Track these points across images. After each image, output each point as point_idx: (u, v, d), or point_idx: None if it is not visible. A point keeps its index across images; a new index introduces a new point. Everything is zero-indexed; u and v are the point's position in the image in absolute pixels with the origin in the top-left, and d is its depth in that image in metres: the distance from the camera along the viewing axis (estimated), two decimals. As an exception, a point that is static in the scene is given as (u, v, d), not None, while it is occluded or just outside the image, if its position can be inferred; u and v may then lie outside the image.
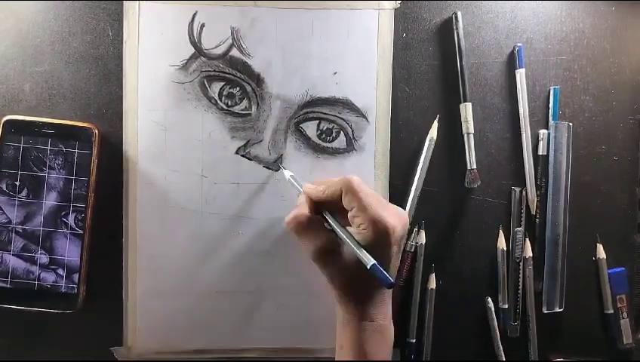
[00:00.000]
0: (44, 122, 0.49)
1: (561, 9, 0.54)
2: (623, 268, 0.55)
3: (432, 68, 0.54)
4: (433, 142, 0.52)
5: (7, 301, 0.49)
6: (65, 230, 0.49)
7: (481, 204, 0.54)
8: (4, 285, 0.49)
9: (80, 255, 0.49)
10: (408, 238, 0.53)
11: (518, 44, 0.53)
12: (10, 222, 0.49)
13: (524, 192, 0.54)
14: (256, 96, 0.52)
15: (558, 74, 0.54)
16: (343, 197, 0.43)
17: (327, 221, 0.45)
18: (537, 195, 0.54)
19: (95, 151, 0.49)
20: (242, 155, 0.52)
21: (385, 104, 0.53)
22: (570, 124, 0.54)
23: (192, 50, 0.51)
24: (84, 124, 0.50)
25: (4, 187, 0.48)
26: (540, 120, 0.54)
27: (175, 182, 0.52)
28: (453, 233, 0.54)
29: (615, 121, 0.55)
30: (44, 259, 0.49)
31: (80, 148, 0.49)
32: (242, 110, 0.52)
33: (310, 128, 0.52)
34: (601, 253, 0.55)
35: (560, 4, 0.54)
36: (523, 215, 0.54)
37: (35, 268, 0.49)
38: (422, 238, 0.53)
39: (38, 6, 0.51)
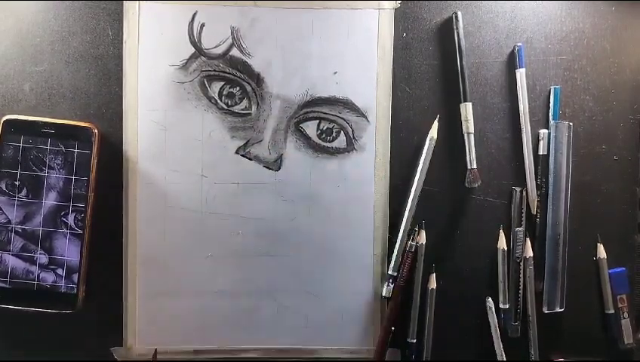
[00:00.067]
0: (44, 122, 0.49)
1: (561, 9, 0.54)
2: (624, 268, 0.55)
3: (432, 68, 0.54)
4: (433, 142, 0.52)
5: (7, 301, 0.49)
6: (64, 230, 0.49)
7: (482, 204, 0.54)
8: (3, 285, 0.49)
9: (80, 255, 0.49)
10: (409, 238, 0.53)
11: (518, 44, 0.53)
12: (9, 221, 0.49)
13: (524, 192, 0.54)
14: (256, 95, 0.52)
15: (558, 74, 0.54)
16: None
17: None
18: (538, 195, 0.54)
19: (95, 150, 0.49)
20: (242, 155, 0.52)
21: (385, 104, 0.53)
22: (571, 123, 0.54)
23: (192, 49, 0.51)
24: (84, 124, 0.49)
25: (3, 187, 0.48)
26: (540, 119, 0.54)
27: (175, 182, 0.52)
28: (454, 233, 0.54)
29: (615, 121, 0.55)
30: (43, 259, 0.49)
31: (80, 147, 0.49)
32: (242, 110, 0.52)
33: (310, 128, 0.52)
34: (601, 252, 0.55)
35: (560, 4, 0.54)
36: (523, 215, 0.54)
37: (35, 268, 0.49)
38: (422, 238, 0.53)
39: (38, 6, 0.51)
